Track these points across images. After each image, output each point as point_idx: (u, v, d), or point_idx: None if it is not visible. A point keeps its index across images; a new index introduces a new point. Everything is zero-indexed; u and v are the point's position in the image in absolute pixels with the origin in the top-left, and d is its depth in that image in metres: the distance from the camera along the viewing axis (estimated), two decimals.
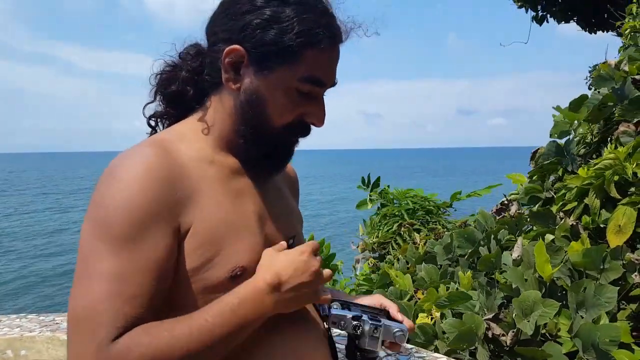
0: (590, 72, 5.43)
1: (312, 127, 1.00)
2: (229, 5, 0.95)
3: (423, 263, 2.78)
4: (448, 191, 5.47)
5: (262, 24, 0.91)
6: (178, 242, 0.88)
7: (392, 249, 4.52)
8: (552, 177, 2.63)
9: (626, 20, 3.02)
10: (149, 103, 1.05)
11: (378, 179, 5.47)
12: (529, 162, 2.88)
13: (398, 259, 3.49)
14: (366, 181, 5.42)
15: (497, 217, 2.82)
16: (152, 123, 1.07)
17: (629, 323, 1.70)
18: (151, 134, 1.06)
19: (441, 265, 2.70)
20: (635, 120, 2.14)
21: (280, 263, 0.91)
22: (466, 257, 2.55)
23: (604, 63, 2.58)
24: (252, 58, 0.93)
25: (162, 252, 0.85)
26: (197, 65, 1.01)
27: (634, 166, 1.84)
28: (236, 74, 0.94)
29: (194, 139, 0.97)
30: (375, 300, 1.15)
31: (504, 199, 2.90)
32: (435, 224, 4.70)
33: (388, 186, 5.46)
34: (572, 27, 8.87)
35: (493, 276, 2.19)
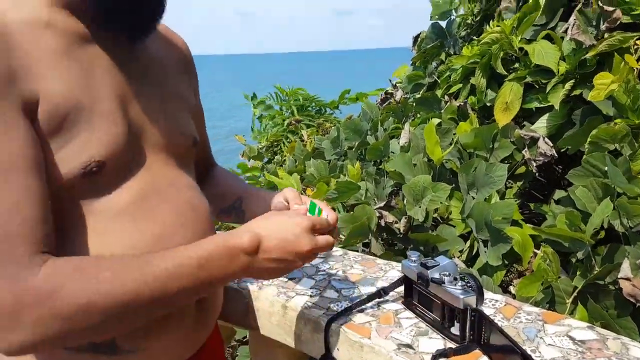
0: None
1: None
2: None
3: (311, 159, 2.66)
4: (332, 96, 5.41)
5: None
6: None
7: (280, 151, 4.39)
8: (434, 63, 2.56)
9: None
10: None
11: (254, 95, 5.75)
12: (412, 48, 2.78)
13: (286, 160, 3.36)
14: (251, 97, 5.71)
15: (382, 106, 2.74)
16: None
17: (515, 200, 1.70)
18: None
19: (330, 161, 2.60)
20: None
21: (268, 227, 0.76)
22: (354, 149, 2.46)
23: None
24: None
25: (22, 139, 0.65)
26: None
27: (519, 40, 1.77)
28: None
29: None
30: (282, 196, 1.00)
31: (389, 87, 2.81)
32: (324, 122, 4.62)
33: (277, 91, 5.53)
34: None
35: (381, 166, 2.12)
